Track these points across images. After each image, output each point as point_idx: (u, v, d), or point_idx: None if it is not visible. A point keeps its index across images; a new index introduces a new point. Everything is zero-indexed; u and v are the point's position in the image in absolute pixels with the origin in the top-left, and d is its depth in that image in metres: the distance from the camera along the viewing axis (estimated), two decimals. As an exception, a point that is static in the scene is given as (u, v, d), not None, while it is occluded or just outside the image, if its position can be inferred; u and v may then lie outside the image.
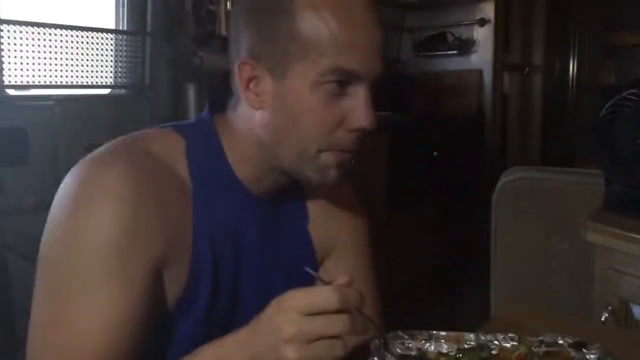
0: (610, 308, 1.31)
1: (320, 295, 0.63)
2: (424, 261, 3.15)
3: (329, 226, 0.95)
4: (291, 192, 0.90)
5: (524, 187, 1.84)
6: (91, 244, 0.70)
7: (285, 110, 0.77)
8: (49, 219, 0.74)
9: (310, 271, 0.67)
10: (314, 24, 0.73)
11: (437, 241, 3.25)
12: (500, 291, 1.87)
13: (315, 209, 0.94)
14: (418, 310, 2.79)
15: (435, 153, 3.24)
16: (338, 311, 0.63)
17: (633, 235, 1.27)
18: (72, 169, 0.76)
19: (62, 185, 0.75)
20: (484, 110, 3.73)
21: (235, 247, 0.85)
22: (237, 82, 0.79)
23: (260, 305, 0.87)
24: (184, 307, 0.80)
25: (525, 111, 4.12)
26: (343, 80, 0.75)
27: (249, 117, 0.81)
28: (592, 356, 0.73)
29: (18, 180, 1.82)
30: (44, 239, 0.74)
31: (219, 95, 0.89)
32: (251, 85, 0.78)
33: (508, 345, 0.76)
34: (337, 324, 0.63)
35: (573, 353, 0.74)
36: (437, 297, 3.01)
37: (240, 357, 0.67)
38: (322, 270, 0.96)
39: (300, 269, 0.92)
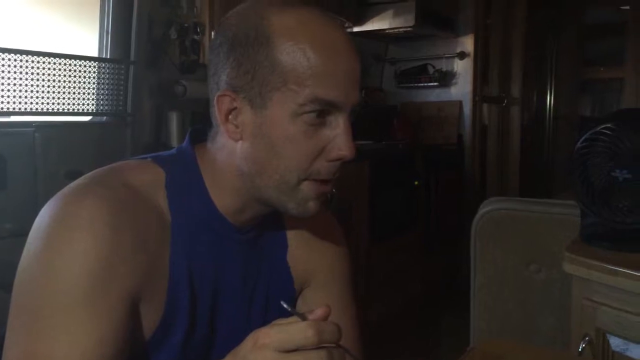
0: (587, 339, 1.32)
1: (296, 332, 0.62)
2: (405, 290, 3.14)
3: (309, 256, 0.95)
4: (271, 221, 0.90)
5: (503, 217, 1.86)
6: (66, 276, 0.69)
7: (265, 141, 0.77)
8: (24, 250, 0.73)
9: (286, 306, 0.67)
10: (292, 56, 0.74)
11: (418, 270, 3.26)
12: (480, 321, 1.88)
13: (295, 238, 0.94)
14: (398, 341, 2.78)
15: (416, 182, 3.28)
16: (315, 346, 0.63)
17: (608, 267, 1.29)
18: (49, 201, 0.75)
19: (38, 218, 0.74)
20: (463, 140, 3.80)
21: (213, 279, 0.84)
22: (217, 114, 0.80)
23: (238, 335, 0.87)
24: (160, 340, 0.79)
25: (504, 141, 4.20)
26: (322, 110, 0.76)
27: (229, 149, 0.81)
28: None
29: (-4, 207, 1.79)
30: (19, 270, 0.73)
31: (201, 124, 0.90)
32: (230, 117, 0.79)
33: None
34: None
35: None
36: (417, 327, 3.01)
37: None
38: (300, 300, 0.96)
39: (279, 298, 0.92)
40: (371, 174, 2.89)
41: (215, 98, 0.79)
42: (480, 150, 3.93)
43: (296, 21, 0.76)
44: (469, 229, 1.93)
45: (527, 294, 1.81)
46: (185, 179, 0.82)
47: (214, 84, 0.81)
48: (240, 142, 0.79)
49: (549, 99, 4.99)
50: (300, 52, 0.75)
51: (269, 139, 0.77)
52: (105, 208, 0.72)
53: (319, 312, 0.66)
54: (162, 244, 0.78)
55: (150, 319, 0.78)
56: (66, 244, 0.70)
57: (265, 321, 0.88)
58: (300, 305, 0.95)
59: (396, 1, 3.32)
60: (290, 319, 0.65)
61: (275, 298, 0.91)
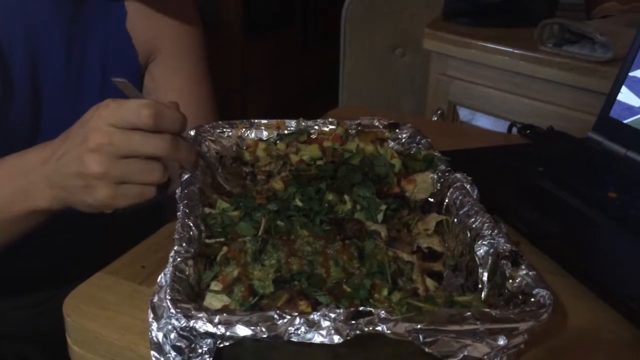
0: (439, 112, 1.39)
1: (132, 108, 0.56)
2: (282, 87, 3.13)
3: (153, 22, 0.86)
4: None
5: (372, 0, 1.82)
6: None
7: None
8: None
9: (119, 79, 0.58)
10: None
11: (295, 65, 3.23)
12: (347, 103, 1.92)
13: (135, 2, 0.84)
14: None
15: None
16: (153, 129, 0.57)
17: (465, 40, 1.32)
18: None
19: None
20: None
21: (32, 46, 0.74)
22: None
23: (71, 116, 0.79)
24: None
25: None
26: None
27: None
28: (404, 134, 0.76)
29: None
30: None
31: None
32: None
33: (327, 129, 0.77)
34: (154, 142, 0.56)
35: (387, 132, 0.77)
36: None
37: (41, 172, 0.61)
38: (147, 77, 0.88)
39: (119, 68, 0.84)
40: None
41: None
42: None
43: None
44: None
45: (392, 76, 1.85)
46: None
47: None
48: None
49: None
50: None
51: None
52: None
53: (166, 102, 0.59)
54: None
55: None
56: None
57: (106, 93, 0.81)
58: (147, 84, 0.88)
59: None
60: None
61: (115, 67, 0.83)
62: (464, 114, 1.38)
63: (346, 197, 0.61)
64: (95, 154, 0.56)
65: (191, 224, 0.53)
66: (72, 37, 0.79)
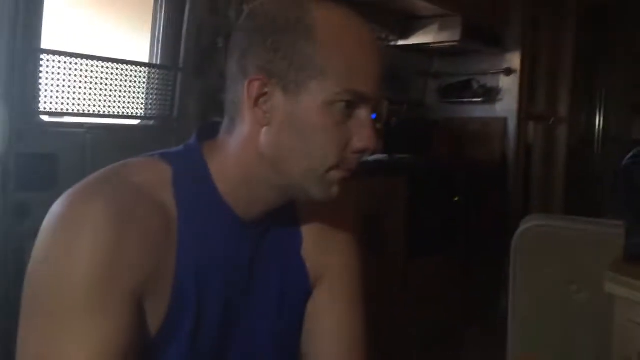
0: (629, 361, 1.27)
1: None
2: (442, 309, 3.09)
3: (324, 250, 0.94)
4: (283, 214, 0.89)
5: (543, 234, 1.82)
6: (72, 277, 0.70)
7: (295, 128, 0.78)
8: (33, 250, 0.73)
9: None
10: (333, 49, 0.77)
11: (456, 289, 3.20)
12: (517, 342, 1.83)
13: (310, 231, 0.93)
14: None
15: (456, 198, 3.23)
16: None
17: (654, 287, 1.25)
18: (57, 200, 0.76)
19: (47, 217, 0.74)
20: (507, 159, 3.72)
21: (223, 273, 0.84)
22: (245, 99, 0.80)
23: (253, 333, 0.85)
24: (167, 337, 0.79)
25: (549, 161, 4.10)
26: (352, 102, 0.79)
27: (250, 135, 0.81)
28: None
29: (46, 204, 1.86)
30: (28, 271, 0.73)
31: (210, 121, 0.91)
32: (260, 102, 0.79)
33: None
34: None
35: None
36: (454, 348, 2.94)
37: None
38: (311, 301, 0.94)
39: (294, 295, 0.92)
40: (409, 189, 2.86)
41: (247, 82, 0.79)
42: (524, 169, 3.84)
43: (337, 17, 0.80)
44: (509, 247, 1.89)
45: (566, 314, 1.76)
46: (193, 174, 0.82)
47: (239, 68, 0.81)
48: (265, 127, 0.80)
49: (598, 120, 4.85)
50: (341, 46, 0.78)
51: (299, 125, 0.78)
52: (110, 208, 0.72)
53: None
54: (168, 242, 0.78)
55: (155, 316, 0.78)
56: (72, 246, 0.71)
57: (280, 319, 0.88)
58: (308, 307, 0.94)
59: (442, 15, 3.30)
60: None
61: (290, 295, 0.91)
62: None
63: None
64: None
65: None
66: (257, 268, 0.88)
